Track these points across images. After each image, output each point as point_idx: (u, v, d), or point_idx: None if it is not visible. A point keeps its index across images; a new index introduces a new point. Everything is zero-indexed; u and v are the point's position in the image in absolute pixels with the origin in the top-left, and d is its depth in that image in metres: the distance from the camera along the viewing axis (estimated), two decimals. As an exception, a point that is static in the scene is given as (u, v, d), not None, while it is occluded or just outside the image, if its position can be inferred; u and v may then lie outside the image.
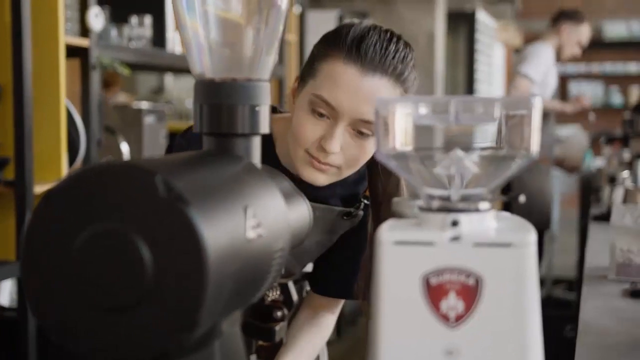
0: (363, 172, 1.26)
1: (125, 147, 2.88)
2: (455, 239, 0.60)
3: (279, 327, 0.74)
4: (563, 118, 5.42)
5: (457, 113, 0.63)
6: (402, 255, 0.61)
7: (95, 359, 0.52)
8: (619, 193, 2.42)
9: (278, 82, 4.06)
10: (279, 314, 0.75)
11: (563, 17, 4.37)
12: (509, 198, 0.71)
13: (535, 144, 0.64)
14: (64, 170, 2.44)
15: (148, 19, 3.02)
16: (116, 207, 0.51)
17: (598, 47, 7.69)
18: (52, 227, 0.52)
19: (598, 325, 1.29)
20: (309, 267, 1.40)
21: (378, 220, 1.22)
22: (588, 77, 8.47)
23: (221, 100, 0.63)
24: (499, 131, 0.67)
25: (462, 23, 6.45)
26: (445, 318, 0.60)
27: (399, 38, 1.15)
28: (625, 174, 2.74)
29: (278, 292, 1.09)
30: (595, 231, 2.40)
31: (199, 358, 0.56)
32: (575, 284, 4.21)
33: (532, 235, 0.61)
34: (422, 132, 0.66)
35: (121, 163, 0.52)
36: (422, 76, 5.33)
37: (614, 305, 1.42)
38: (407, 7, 5.31)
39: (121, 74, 2.91)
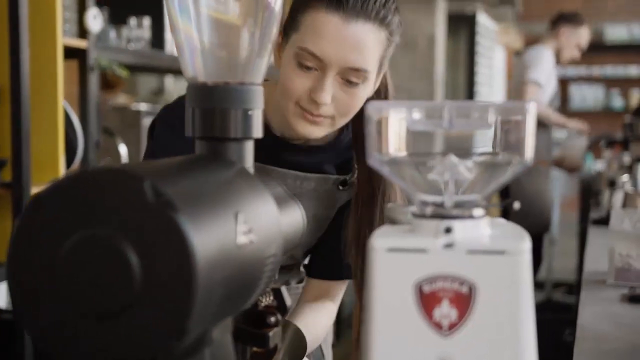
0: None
1: (123, 149, 2.87)
2: (449, 246, 0.60)
3: (272, 333, 0.73)
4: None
5: (451, 118, 0.62)
6: (394, 262, 0.60)
7: (82, 367, 0.51)
8: (618, 197, 2.41)
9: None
10: (272, 319, 0.74)
11: (562, 20, 4.37)
12: (505, 204, 0.70)
13: (530, 150, 0.63)
14: (62, 172, 2.44)
15: (147, 21, 3.02)
16: (105, 212, 0.50)
17: (599, 50, 7.68)
18: (40, 232, 0.51)
19: (596, 330, 1.28)
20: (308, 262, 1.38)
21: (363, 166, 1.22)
22: (589, 80, 8.46)
23: (214, 104, 0.63)
24: (495, 137, 0.67)
25: (462, 25, 6.43)
26: (438, 326, 0.60)
27: None
28: (625, 177, 2.74)
29: (271, 298, 1.08)
30: (594, 235, 2.39)
31: (188, 366, 0.55)
32: (575, 288, 4.20)
33: (526, 243, 0.60)
34: (422, 137, 0.65)
35: (110, 168, 0.52)
36: (422, 79, 5.30)
37: (612, 310, 1.41)
38: (408, 10, 5.29)
39: (120, 75, 2.91)
